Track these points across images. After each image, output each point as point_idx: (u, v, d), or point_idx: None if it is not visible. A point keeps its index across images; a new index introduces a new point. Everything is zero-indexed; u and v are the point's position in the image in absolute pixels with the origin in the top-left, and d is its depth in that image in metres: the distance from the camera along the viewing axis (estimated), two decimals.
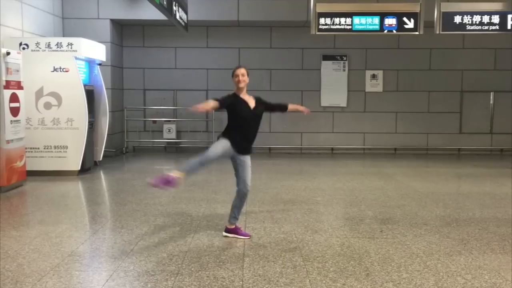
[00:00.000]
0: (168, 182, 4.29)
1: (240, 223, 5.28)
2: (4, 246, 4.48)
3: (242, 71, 4.68)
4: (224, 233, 4.82)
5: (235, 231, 4.80)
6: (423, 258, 4.23)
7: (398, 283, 3.64)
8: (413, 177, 8.61)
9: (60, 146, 8.23)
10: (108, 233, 5.00)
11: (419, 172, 9.31)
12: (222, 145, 4.55)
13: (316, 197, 6.79)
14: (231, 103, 4.63)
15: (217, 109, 4.60)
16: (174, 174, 4.31)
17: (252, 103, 4.72)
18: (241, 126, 4.65)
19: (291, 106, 5.21)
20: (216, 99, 4.50)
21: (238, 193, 4.75)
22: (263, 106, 4.83)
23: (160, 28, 11.64)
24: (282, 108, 5.16)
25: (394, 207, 6.20)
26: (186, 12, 8.96)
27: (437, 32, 8.49)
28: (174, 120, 11.85)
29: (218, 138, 4.68)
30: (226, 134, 4.64)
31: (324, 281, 3.67)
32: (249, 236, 4.78)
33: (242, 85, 4.67)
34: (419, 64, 12.03)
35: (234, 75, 4.69)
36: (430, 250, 4.44)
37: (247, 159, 4.72)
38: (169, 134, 11.81)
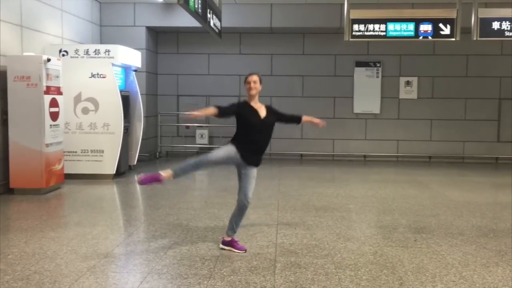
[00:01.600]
0: (155, 180, 4.35)
1: (271, 229, 5.30)
2: (43, 246, 4.62)
3: (254, 78, 4.53)
4: (221, 245, 4.62)
5: (231, 244, 4.58)
6: (459, 268, 4.14)
7: None
8: (449, 186, 8.43)
9: (97, 150, 8.44)
10: (142, 236, 5.09)
11: (454, 181, 9.11)
12: (226, 150, 4.42)
13: (348, 205, 6.73)
14: (239, 111, 4.48)
15: (220, 117, 4.41)
16: (164, 173, 4.35)
17: (263, 112, 4.53)
18: (249, 135, 4.46)
19: (305, 118, 4.96)
20: (217, 106, 4.36)
21: (238, 204, 4.56)
22: (274, 116, 4.63)
23: (194, 35, 11.81)
24: (296, 119, 4.94)
25: (429, 216, 6.09)
26: (220, 19, 9.07)
27: (474, 39, 8.30)
28: (207, 126, 11.98)
29: (227, 143, 4.54)
30: (234, 142, 4.49)
31: None
32: (245, 250, 4.53)
33: (253, 92, 4.50)
34: (455, 71, 11.79)
35: (246, 82, 4.56)
36: (466, 261, 4.34)
37: (253, 171, 4.53)
38: (202, 139, 11.94)
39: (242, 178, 4.54)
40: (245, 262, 4.23)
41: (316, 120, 5.05)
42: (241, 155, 4.41)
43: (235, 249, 4.54)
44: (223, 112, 4.41)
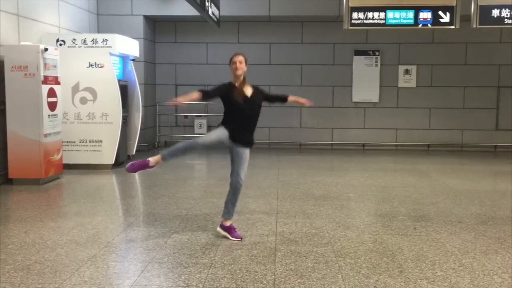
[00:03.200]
0: (144, 166, 4.34)
1: (271, 218, 5.31)
2: (43, 236, 4.62)
3: (240, 58, 4.46)
4: (218, 228, 4.64)
5: (229, 230, 4.57)
6: (458, 256, 4.16)
7: (432, 281, 3.59)
8: (448, 174, 8.45)
9: (95, 140, 8.42)
10: (142, 226, 5.09)
11: (453, 169, 9.13)
12: (217, 133, 4.42)
13: (347, 193, 6.75)
14: (225, 92, 4.44)
15: (203, 100, 4.43)
16: (152, 158, 4.33)
17: (249, 91, 4.50)
18: (237, 115, 4.44)
19: (291, 98, 4.88)
20: (200, 90, 4.33)
21: (231, 186, 4.56)
22: (261, 96, 4.61)
23: (192, 24, 11.74)
24: (282, 99, 4.88)
25: (428, 204, 6.10)
26: (218, 8, 9.01)
27: (474, 26, 8.27)
28: (205, 115, 11.95)
29: (217, 126, 4.54)
30: (224, 124, 4.48)
31: (356, 277, 3.65)
32: (241, 238, 4.51)
33: (239, 72, 4.44)
34: (454, 59, 11.76)
35: (231, 62, 4.48)
36: (466, 248, 4.36)
37: (245, 152, 4.52)
38: (200, 129, 11.93)
39: (234, 160, 4.54)
40: (246, 250, 4.24)
41: (302, 100, 4.92)
42: (230, 135, 4.40)
43: (231, 236, 4.54)
44: (206, 95, 4.39)
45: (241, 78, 4.49)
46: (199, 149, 4.50)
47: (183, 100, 4.29)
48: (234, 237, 4.53)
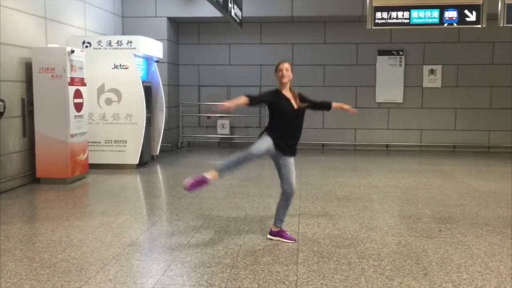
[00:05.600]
0: (201, 183, 4.24)
1: (294, 219, 5.30)
2: (69, 235, 4.71)
3: (286, 65, 4.45)
4: (269, 236, 4.61)
5: (280, 234, 4.59)
6: (485, 259, 4.08)
7: (458, 284, 3.53)
8: (474, 175, 8.29)
9: (120, 140, 8.54)
10: (165, 225, 5.15)
11: (480, 170, 8.96)
12: (266, 144, 4.35)
13: (371, 194, 6.68)
14: (272, 100, 4.42)
15: (249, 106, 4.32)
16: (209, 175, 4.23)
17: (295, 100, 4.49)
18: (284, 124, 4.42)
19: (335, 104, 4.86)
20: (248, 96, 4.25)
21: (284, 194, 4.56)
22: (306, 103, 4.57)
23: (214, 25, 11.80)
24: (326, 106, 4.84)
25: (453, 206, 6.00)
26: (240, 9, 9.04)
27: (501, 25, 8.09)
28: (228, 116, 11.99)
29: (260, 135, 4.47)
30: (269, 132, 4.42)
31: (380, 279, 3.62)
32: (295, 240, 4.54)
33: (285, 80, 4.43)
34: (481, 59, 11.53)
35: (277, 69, 4.48)
36: (492, 251, 4.27)
37: (291, 159, 4.52)
38: (223, 129, 11.97)
39: (281, 168, 4.51)
40: (268, 251, 4.24)
41: (346, 106, 4.94)
42: (276, 145, 4.37)
43: (284, 239, 4.53)
44: (253, 101, 4.33)
45: (288, 86, 4.48)
46: (253, 160, 4.37)
47: (230, 105, 4.16)
48: (288, 239, 4.52)
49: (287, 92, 4.49)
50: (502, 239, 4.66)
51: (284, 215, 4.65)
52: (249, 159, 4.32)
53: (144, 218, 5.53)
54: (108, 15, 10.22)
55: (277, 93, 4.48)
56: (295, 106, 4.45)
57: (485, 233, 4.85)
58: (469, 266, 3.91)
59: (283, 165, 4.50)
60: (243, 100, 4.24)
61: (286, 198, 4.57)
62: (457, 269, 3.84)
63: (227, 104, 4.14)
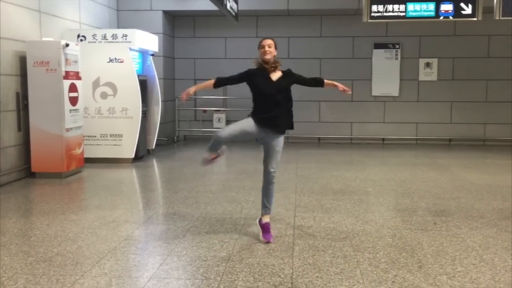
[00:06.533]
0: (211, 161, 4.52)
1: (289, 213, 5.31)
2: (65, 229, 4.71)
3: (269, 42, 4.28)
4: (257, 220, 4.52)
5: (262, 227, 4.38)
6: (479, 251, 4.10)
7: (452, 276, 3.55)
8: (469, 168, 8.32)
9: (116, 134, 8.51)
10: (161, 219, 5.15)
11: (475, 163, 8.99)
12: (241, 123, 4.31)
13: (366, 188, 6.70)
14: (247, 77, 4.33)
15: (216, 87, 4.41)
16: (207, 156, 4.47)
17: (276, 75, 4.32)
18: (263, 101, 4.29)
19: (328, 81, 4.67)
20: (218, 78, 4.35)
21: (263, 178, 4.40)
22: (291, 79, 4.38)
23: (210, 18, 11.75)
24: (318, 82, 4.67)
25: (449, 199, 6.02)
26: (236, 2, 9.01)
27: (497, 18, 8.09)
28: (224, 110, 11.98)
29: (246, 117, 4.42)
30: (252, 113, 4.37)
31: (375, 272, 3.63)
32: (269, 241, 4.25)
33: (268, 56, 4.26)
34: (476, 52, 11.54)
35: (260, 46, 4.32)
36: (487, 244, 4.29)
37: (276, 141, 4.33)
38: (219, 123, 11.96)
39: (265, 150, 4.40)
40: (263, 244, 4.25)
41: (340, 86, 4.67)
42: (258, 123, 4.26)
43: (261, 235, 4.36)
44: (221, 82, 4.39)
45: (270, 63, 4.31)
46: (226, 141, 4.35)
47: (193, 89, 4.33)
48: (263, 238, 4.33)
49: (269, 69, 4.31)
50: (497, 231, 4.68)
51: (269, 202, 4.44)
52: (222, 141, 4.34)
53: (140, 212, 5.52)
54: (103, 8, 10.16)
55: (254, 71, 4.37)
56: (274, 80, 4.30)
57: (480, 225, 4.88)
58: (464, 258, 3.93)
59: (267, 146, 4.36)
60: (208, 82, 4.38)
61: (264, 182, 4.39)
62: (451, 261, 3.86)
63: (191, 89, 4.28)
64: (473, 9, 8.06)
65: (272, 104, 4.29)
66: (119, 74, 8.43)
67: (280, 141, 4.39)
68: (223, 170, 8.26)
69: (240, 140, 4.53)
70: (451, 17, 8.19)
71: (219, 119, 11.98)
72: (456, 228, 4.79)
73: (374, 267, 3.73)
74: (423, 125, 11.82)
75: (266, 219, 4.43)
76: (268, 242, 4.27)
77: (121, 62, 8.42)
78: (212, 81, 4.42)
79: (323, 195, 6.23)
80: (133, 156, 8.59)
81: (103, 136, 8.54)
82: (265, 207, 4.46)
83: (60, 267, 3.70)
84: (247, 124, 4.32)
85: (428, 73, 11.70)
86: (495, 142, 11.66)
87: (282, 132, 4.40)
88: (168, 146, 11.20)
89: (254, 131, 4.31)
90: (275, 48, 4.35)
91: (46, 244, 4.23)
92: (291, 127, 4.46)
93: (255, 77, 4.35)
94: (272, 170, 4.36)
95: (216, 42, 12.00)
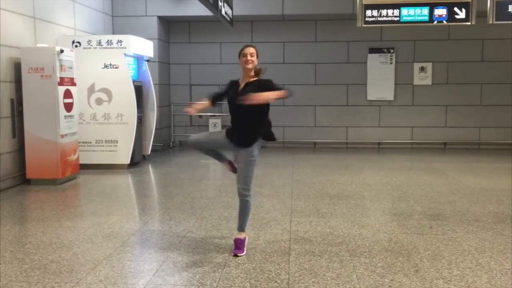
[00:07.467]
0: (228, 167, 4.35)
1: (285, 218, 5.30)
2: (60, 236, 4.68)
3: (251, 50, 4.01)
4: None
5: (235, 242, 4.15)
6: (475, 255, 4.10)
7: (448, 280, 3.55)
8: (464, 172, 8.34)
9: (111, 140, 8.49)
10: (157, 225, 5.13)
11: (470, 167, 9.01)
12: (212, 132, 4.27)
13: (362, 192, 6.70)
14: (227, 91, 4.19)
15: (214, 104, 4.26)
16: (225, 162, 4.37)
17: (246, 85, 4.02)
18: (232, 112, 4.08)
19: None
20: (209, 96, 4.22)
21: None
22: (258, 88, 3.89)
23: (205, 24, 11.77)
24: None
25: (444, 203, 6.03)
26: (231, 7, 9.02)
27: (490, 22, 8.15)
28: (220, 115, 11.97)
29: None
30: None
31: (371, 277, 3.63)
32: (235, 255, 4.03)
33: (250, 66, 3.99)
34: (471, 56, 11.60)
35: (241, 54, 4.04)
36: (483, 247, 4.30)
37: (243, 155, 3.99)
38: (215, 128, 11.94)
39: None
40: (259, 250, 4.24)
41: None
42: (226, 134, 4.11)
43: (233, 249, 4.12)
44: (214, 99, 4.29)
45: (250, 73, 4.07)
46: (197, 147, 4.25)
47: (195, 110, 4.21)
48: (233, 251, 4.09)
49: (246, 79, 4.06)
50: (493, 235, 4.69)
51: (242, 220, 4.15)
52: (192, 146, 4.29)
53: (135, 218, 5.50)
54: (98, 14, 10.16)
55: (232, 83, 4.21)
56: (238, 90, 4.05)
57: (475, 229, 4.88)
58: (460, 262, 3.93)
59: (236, 159, 4.14)
60: (205, 102, 4.26)
61: (239, 200, 4.11)
62: (448, 265, 3.86)
63: (192, 111, 4.19)
64: (467, 14, 8.10)
65: (235, 115, 4.10)
66: (114, 80, 8.41)
67: (242, 155, 4.02)
68: (218, 176, 8.25)
69: (215, 148, 4.32)
70: (445, 22, 8.23)
71: (214, 124, 11.96)
72: (452, 231, 4.79)
73: (370, 272, 3.72)
74: (418, 129, 11.85)
75: (237, 235, 4.20)
76: (235, 256, 4.04)
77: (116, 68, 8.41)
78: (208, 102, 4.28)
79: (319, 199, 6.22)
80: (128, 162, 8.56)
81: (99, 142, 8.51)
82: (239, 225, 4.21)
83: (55, 275, 3.67)
84: (218, 133, 4.27)
85: (422, 77, 11.75)
86: (490, 145, 11.70)
87: (243, 146, 4.02)
88: (163, 152, 11.17)
89: (223, 141, 4.12)
90: (257, 56, 4.11)
91: (41, 252, 4.21)
92: (250, 143, 4.00)
93: (230, 88, 4.20)
94: (238, 186, 4.07)
95: (211, 47, 12.01)
